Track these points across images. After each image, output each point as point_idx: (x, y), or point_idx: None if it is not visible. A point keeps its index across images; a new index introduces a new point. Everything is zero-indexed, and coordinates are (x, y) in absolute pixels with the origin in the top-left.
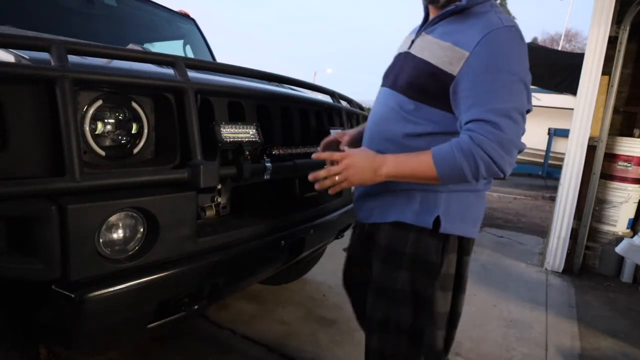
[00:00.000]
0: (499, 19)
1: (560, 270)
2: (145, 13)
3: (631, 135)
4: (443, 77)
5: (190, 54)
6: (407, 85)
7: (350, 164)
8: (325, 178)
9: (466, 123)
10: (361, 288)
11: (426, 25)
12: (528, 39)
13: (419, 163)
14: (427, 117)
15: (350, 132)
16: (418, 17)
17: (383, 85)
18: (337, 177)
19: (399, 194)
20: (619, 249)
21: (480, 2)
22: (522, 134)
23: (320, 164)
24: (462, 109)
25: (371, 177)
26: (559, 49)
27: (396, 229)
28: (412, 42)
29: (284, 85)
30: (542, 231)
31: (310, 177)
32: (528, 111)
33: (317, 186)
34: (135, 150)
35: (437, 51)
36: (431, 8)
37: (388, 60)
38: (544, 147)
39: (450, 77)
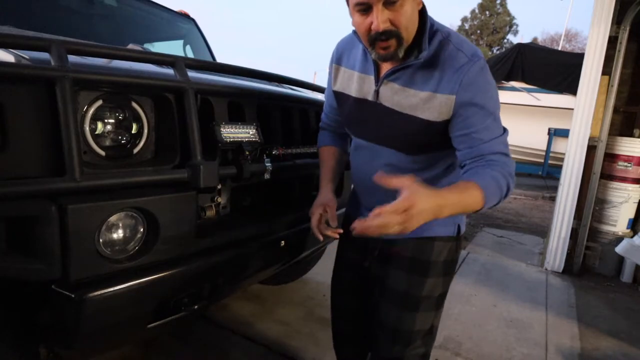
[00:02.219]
0: (462, 54)
1: (560, 270)
2: (145, 13)
3: (631, 135)
4: (442, 126)
5: (190, 54)
6: (404, 144)
7: (415, 214)
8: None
9: (485, 154)
10: (351, 291)
11: (387, 73)
12: (528, 39)
13: (473, 200)
14: (435, 160)
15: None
16: None
17: (360, 137)
18: (396, 228)
19: None
20: (619, 249)
21: (434, 39)
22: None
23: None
24: (468, 144)
25: (432, 218)
26: (559, 49)
27: (422, 241)
28: (377, 92)
29: (284, 85)
30: (542, 231)
31: (357, 230)
32: None
33: (355, 232)
34: (135, 150)
35: (421, 104)
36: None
37: None
38: (544, 147)
39: (447, 122)
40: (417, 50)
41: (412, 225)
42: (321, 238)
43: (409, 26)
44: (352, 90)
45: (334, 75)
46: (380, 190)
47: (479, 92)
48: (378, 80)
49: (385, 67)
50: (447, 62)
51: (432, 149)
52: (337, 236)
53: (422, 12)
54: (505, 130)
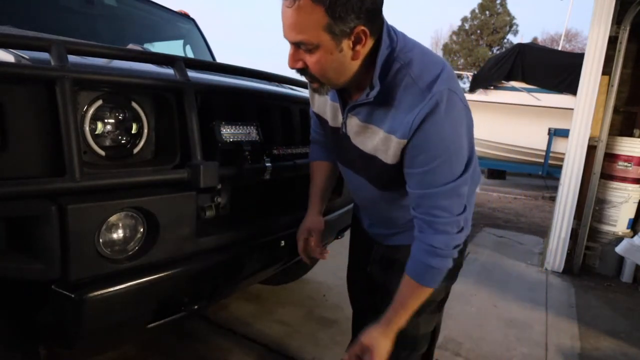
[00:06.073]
0: (418, 88)
1: (560, 271)
2: (145, 13)
3: (631, 135)
4: (400, 167)
5: (190, 54)
6: (372, 179)
7: (380, 357)
8: None
9: (421, 212)
10: (363, 286)
11: (348, 108)
12: (528, 39)
13: (416, 296)
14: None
15: (318, 227)
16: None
17: (339, 161)
18: None
19: None
20: (619, 249)
21: (390, 71)
22: (467, 176)
23: None
24: (411, 184)
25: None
26: (559, 49)
27: None
28: (344, 124)
29: (284, 85)
30: (542, 231)
31: None
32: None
33: None
34: (135, 150)
35: (380, 145)
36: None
37: None
38: (544, 147)
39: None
40: (369, 87)
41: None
42: (309, 262)
43: (328, 73)
44: (328, 117)
45: (310, 95)
46: (368, 207)
47: (429, 134)
48: (344, 112)
49: (349, 97)
50: (402, 98)
51: (400, 185)
52: (325, 257)
53: (376, 47)
54: (462, 174)
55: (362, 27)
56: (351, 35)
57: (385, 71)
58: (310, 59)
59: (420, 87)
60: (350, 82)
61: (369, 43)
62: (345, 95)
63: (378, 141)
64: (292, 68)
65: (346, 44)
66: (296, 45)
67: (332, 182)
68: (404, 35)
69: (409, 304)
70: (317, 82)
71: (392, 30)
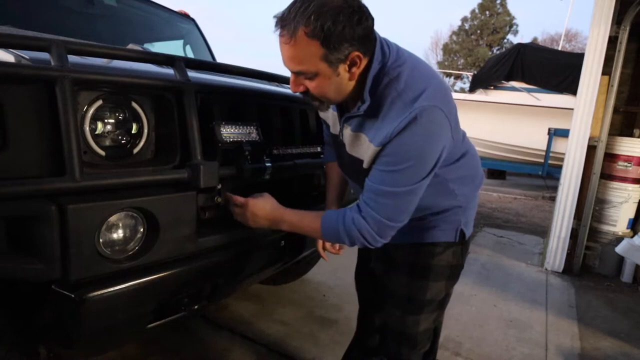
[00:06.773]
0: (401, 103)
1: (560, 270)
2: (145, 13)
3: (631, 135)
4: None
5: (190, 54)
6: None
7: (246, 214)
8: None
9: (363, 198)
10: (367, 282)
11: (343, 119)
12: (528, 39)
13: (310, 228)
14: None
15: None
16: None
17: (340, 167)
18: (236, 216)
19: (422, 223)
20: (619, 249)
21: (379, 85)
22: (412, 200)
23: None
24: (369, 178)
25: (268, 226)
26: (559, 49)
27: (422, 246)
28: (341, 132)
29: (284, 85)
30: (542, 231)
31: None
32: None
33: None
34: (135, 150)
35: (368, 152)
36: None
37: None
38: (544, 147)
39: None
40: (360, 100)
41: (248, 222)
42: (327, 259)
43: (328, 94)
44: (330, 123)
45: None
46: None
47: (402, 142)
48: (340, 122)
49: (347, 108)
50: (388, 111)
51: None
52: (341, 253)
53: (368, 65)
54: (412, 184)
55: (356, 53)
56: (346, 60)
57: (376, 85)
58: (311, 84)
59: (404, 101)
60: (349, 98)
61: (364, 63)
62: (343, 106)
63: (366, 148)
64: (295, 92)
65: (342, 68)
66: (296, 74)
67: (346, 181)
68: (397, 49)
69: (299, 227)
70: (318, 101)
71: (385, 45)
